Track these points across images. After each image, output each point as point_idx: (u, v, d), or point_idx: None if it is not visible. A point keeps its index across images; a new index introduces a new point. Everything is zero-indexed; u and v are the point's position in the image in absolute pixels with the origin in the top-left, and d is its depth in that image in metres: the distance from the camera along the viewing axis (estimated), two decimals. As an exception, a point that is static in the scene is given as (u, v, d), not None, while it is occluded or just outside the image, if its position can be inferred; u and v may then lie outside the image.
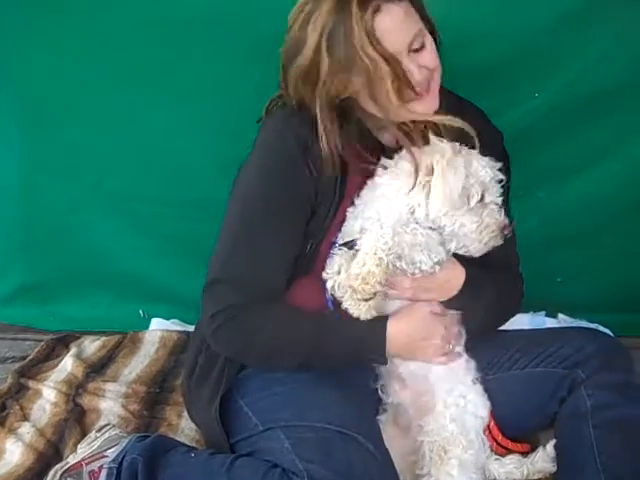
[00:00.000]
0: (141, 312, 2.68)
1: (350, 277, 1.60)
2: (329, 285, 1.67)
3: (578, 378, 1.75)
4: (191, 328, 2.27)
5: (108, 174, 2.49)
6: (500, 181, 1.69)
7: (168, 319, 2.65)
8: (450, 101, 1.78)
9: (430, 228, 1.65)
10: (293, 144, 1.69)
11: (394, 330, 1.69)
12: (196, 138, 2.37)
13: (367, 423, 1.71)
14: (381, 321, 1.69)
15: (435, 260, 1.64)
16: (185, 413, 2.05)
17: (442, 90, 1.75)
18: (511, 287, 1.87)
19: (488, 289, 1.72)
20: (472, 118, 1.76)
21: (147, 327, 2.63)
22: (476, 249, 1.68)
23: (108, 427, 1.94)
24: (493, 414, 1.78)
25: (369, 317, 1.64)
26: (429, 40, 1.66)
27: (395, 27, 1.59)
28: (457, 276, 1.74)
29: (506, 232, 1.67)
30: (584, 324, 2.35)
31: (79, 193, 2.53)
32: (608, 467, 1.64)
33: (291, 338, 1.71)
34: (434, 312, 1.74)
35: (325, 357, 1.71)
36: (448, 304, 1.76)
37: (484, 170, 1.66)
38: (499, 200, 1.68)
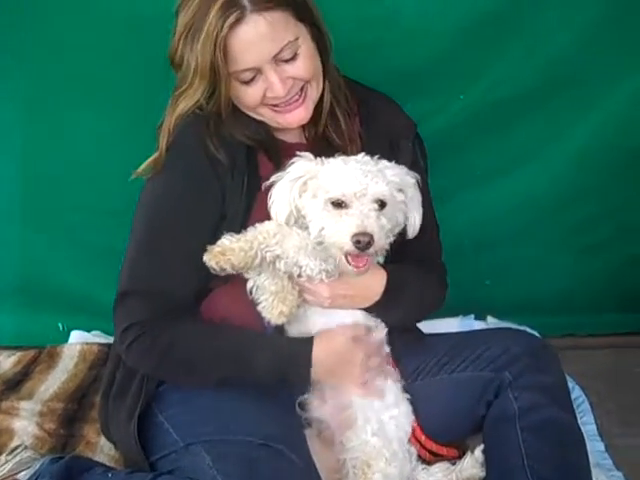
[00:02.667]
0: (60, 325, 2.58)
1: (217, 242, 1.59)
2: (249, 285, 1.64)
3: (505, 380, 1.72)
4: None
5: (26, 181, 2.39)
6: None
7: (89, 331, 2.56)
8: (359, 94, 1.80)
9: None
10: (195, 147, 1.66)
11: (319, 349, 1.65)
12: (117, 146, 2.29)
13: (291, 434, 1.66)
14: (307, 339, 1.67)
15: (322, 267, 1.61)
16: (105, 430, 1.96)
17: (348, 85, 1.76)
18: (434, 279, 1.86)
19: (410, 287, 1.68)
20: (381, 109, 1.78)
21: (67, 341, 2.53)
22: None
23: (20, 449, 1.86)
24: (418, 419, 1.76)
25: (279, 323, 1.62)
26: (304, 49, 1.62)
27: (255, 41, 1.56)
28: (377, 281, 1.70)
29: (358, 238, 1.51)
30: (512, 326, 2.35)
31: (-8, 200, 2.42)
32: (535, 470, 1.63)
33: (208, 354, 1.66)
34: (355, 337, 1.70)
35: (246, 375, 1.65)
36: (370, 309, 1.73)
37: (354, 180, 1.54)
38: (368, 208, 1.54)
